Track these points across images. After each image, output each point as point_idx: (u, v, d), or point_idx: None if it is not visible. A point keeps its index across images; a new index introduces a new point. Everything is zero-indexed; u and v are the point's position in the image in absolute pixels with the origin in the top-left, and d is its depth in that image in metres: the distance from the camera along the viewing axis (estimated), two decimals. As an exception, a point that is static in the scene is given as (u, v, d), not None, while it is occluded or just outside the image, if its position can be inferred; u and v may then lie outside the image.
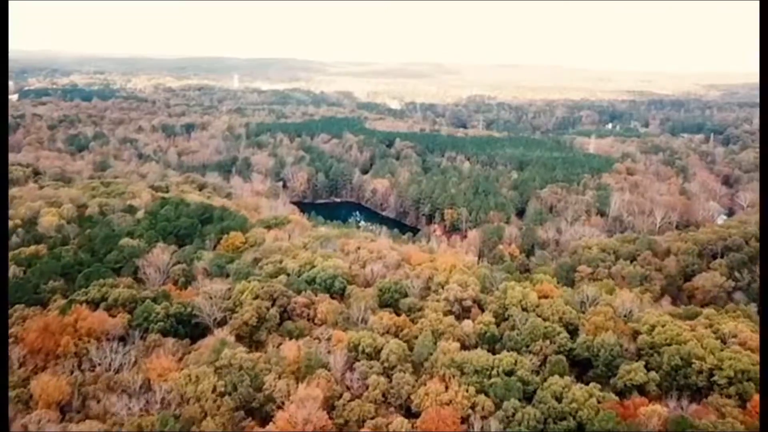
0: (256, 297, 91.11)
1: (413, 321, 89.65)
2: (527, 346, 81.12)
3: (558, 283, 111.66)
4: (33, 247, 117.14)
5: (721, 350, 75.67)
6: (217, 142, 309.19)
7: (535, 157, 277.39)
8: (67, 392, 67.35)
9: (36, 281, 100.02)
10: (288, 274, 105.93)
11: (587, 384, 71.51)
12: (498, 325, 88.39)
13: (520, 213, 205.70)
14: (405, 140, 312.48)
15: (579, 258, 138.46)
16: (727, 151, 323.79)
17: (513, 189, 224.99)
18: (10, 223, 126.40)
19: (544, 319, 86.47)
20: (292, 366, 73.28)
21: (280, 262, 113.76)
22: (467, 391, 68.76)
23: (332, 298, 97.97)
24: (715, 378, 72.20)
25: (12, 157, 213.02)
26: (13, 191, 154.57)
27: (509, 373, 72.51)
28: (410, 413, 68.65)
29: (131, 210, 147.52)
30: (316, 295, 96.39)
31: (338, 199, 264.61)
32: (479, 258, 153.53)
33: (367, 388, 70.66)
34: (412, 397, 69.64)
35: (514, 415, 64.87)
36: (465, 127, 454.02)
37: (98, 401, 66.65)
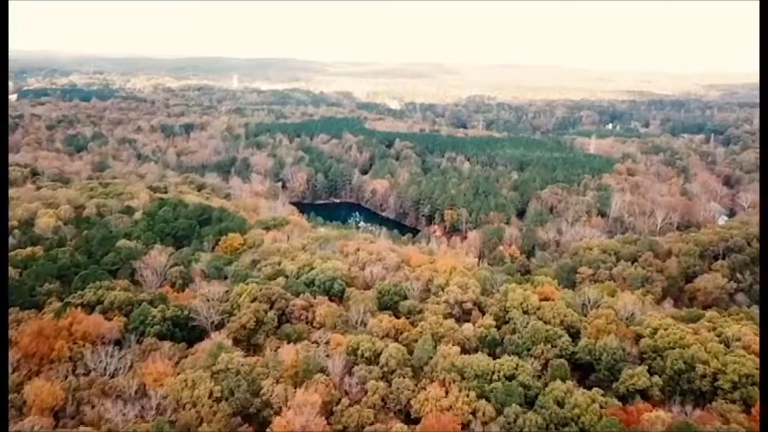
0: (254, 300, 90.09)
1: (413, 324, 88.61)
2: (528, 350, 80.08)
3: (559, 284, 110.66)
4: (29, 249, 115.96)
5: (725, 354, 74.68)
6: (216, 143, 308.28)
7: (536, 157, 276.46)
8: (61, 397, 66.18)
9: (31, 283, 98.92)
10: (286, 276, 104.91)
11: (589, 388, 70.41)
12: (499, 328, 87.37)
13: (521, 214, 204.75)
14: (405, 140, 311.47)
15: (580, 259, 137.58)
16: (727, 151, 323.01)
17: (513, 189, 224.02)
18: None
19: (546, 322, 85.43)
20: (290, 370, 72.19)
21: (279, 263, 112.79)
22: (468, 396, 67.72)
23: (331, 300, 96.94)
24: (719, 382, 71.20)
25: (10, 157, 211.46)
26: (10, 192, 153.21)
27: (510, 378, 71.46)
28: (410, 419, 67.58)
29: (129, 211, 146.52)
30: (314, 298, 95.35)
31: (338, 200, 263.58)
32: (479, 259, 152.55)
33: (365, 393, 69.57)
34: (412, 402, 68.52)
35: (515, 421, 63.83)
36: (465, 127, 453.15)
37: (93, 407, 65.47)
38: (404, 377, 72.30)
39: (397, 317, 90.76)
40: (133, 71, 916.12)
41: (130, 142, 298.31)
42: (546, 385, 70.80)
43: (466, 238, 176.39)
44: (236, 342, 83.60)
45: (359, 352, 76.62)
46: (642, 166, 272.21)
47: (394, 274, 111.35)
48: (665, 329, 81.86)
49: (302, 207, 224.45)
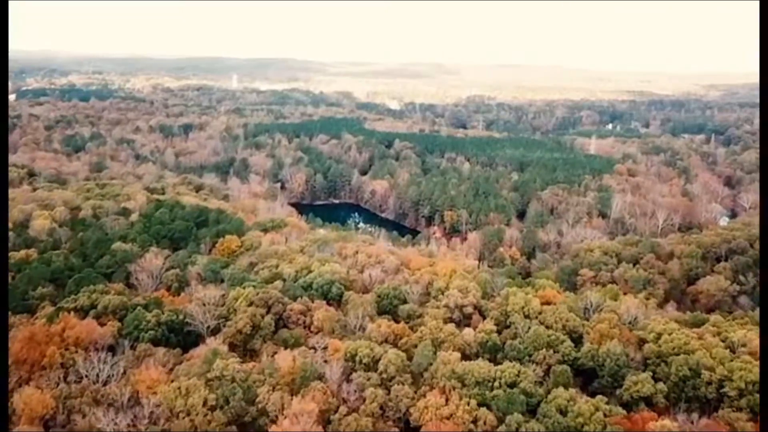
0: (251, 304, 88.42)
1: (412, 329, 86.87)
2: (530, 356, 78.42)
3: (560, 287, 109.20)
4: (23, 252, 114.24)
5: (731, 360, 73.05)
6: (214, 143, 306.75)
7: (536, 158, 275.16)
8: (52, 406, 64.40)
9: (24, 287, 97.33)
10: (284, 280, 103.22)
11: (592, 395, 68.98)
12: (500, 333, 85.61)
13: (521, 215, 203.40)
14: (404, 141, 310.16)
15: (581, 261, 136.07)
16: (728, 151, 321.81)
17: (513, 190, 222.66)
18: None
19: (547, 327, 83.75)
20: (287, 377, 70.59)
21: (276, 266, 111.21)
22: (468, 404, 65.98)
23: (329, 304, 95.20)
24: (725, 389, 69.62)
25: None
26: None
27: (512, 385, 69.82)
28: (409, 427, 66.10)
29: (125, 213, 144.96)
30: (312, 302, 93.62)
31: (337, 201, 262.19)
32: (480, 261, 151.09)
33: (364, 400, 67.89)
34: (411, 410, 66.84)
35: (517, 430, 62.18)
36: (465, 127, 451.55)
37: (84, 416, 63.73)
38: (403, 384, 70.61)
39: (397, 322, 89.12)
40: (133, 71, 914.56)
41: (129, 143, 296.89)
42: (548, 392, 69.13)
43: (466, 239, 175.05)
44: (232, 347, 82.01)
45: (357, 358, 74.98)
46: (642, 166, 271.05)
47: (393, 277, 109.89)
48: (669, 334, 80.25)
49: (301, 208, 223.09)
